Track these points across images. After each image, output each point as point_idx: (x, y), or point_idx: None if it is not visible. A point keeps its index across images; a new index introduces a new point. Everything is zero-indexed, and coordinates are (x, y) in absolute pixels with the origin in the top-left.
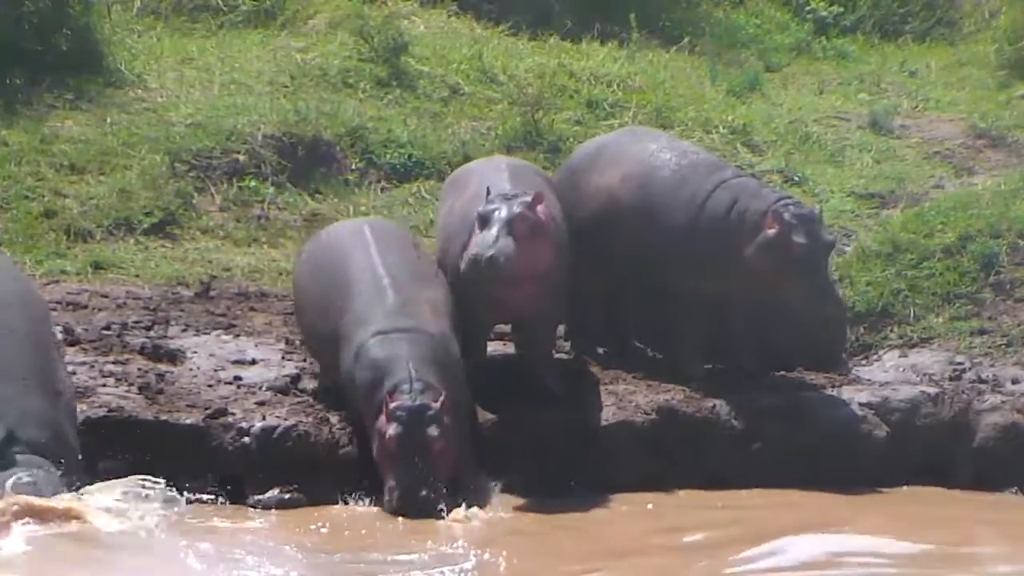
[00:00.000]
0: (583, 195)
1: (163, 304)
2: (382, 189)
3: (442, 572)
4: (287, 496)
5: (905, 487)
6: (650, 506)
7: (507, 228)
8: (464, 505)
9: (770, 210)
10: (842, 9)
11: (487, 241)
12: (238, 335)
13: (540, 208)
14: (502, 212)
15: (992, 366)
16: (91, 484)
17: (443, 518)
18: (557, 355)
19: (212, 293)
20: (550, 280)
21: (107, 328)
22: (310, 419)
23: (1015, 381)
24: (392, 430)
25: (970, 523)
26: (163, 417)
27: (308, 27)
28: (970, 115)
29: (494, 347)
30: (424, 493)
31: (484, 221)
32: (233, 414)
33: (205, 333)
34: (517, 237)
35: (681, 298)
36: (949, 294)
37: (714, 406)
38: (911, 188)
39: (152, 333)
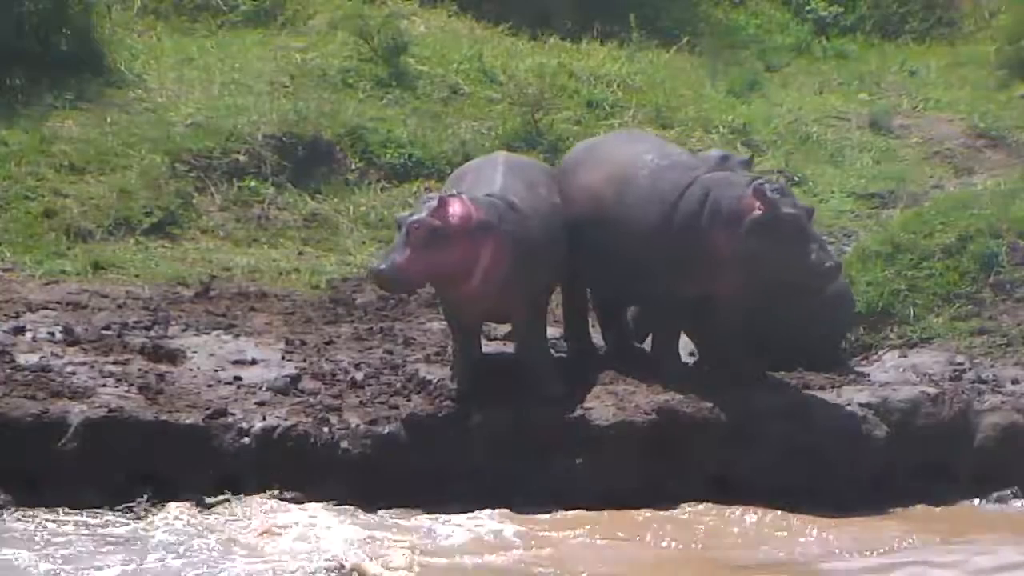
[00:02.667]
0: (572, 194)
1: (163, 304)
2: (382, 189)
3: None
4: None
5: None
6: None
7: (404, 237)
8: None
9: (749, 191)
10: (842, 9)
11: (386, 252)
12: (238, 335)
13: (453, 210)
14: (406, 220)
15: (992, 366)
16: None
17: None
18: (556, 355)
19: (212, 293)
20: (510, 281)
21: (107, 328)
22: (310, 419)
23: (1015, 381)
24: None
25: None
26: (163, 417)
27: (308, 27)
28: (970, 115)
29: (494, 347)
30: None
31: (398, 228)
32: (233, 414)
33: (205, 333)
34: (413, 245)
35: (660, 297)
36: (949, 294)
37: (713, 406)
38: (911, 188)
39: (152, 333)
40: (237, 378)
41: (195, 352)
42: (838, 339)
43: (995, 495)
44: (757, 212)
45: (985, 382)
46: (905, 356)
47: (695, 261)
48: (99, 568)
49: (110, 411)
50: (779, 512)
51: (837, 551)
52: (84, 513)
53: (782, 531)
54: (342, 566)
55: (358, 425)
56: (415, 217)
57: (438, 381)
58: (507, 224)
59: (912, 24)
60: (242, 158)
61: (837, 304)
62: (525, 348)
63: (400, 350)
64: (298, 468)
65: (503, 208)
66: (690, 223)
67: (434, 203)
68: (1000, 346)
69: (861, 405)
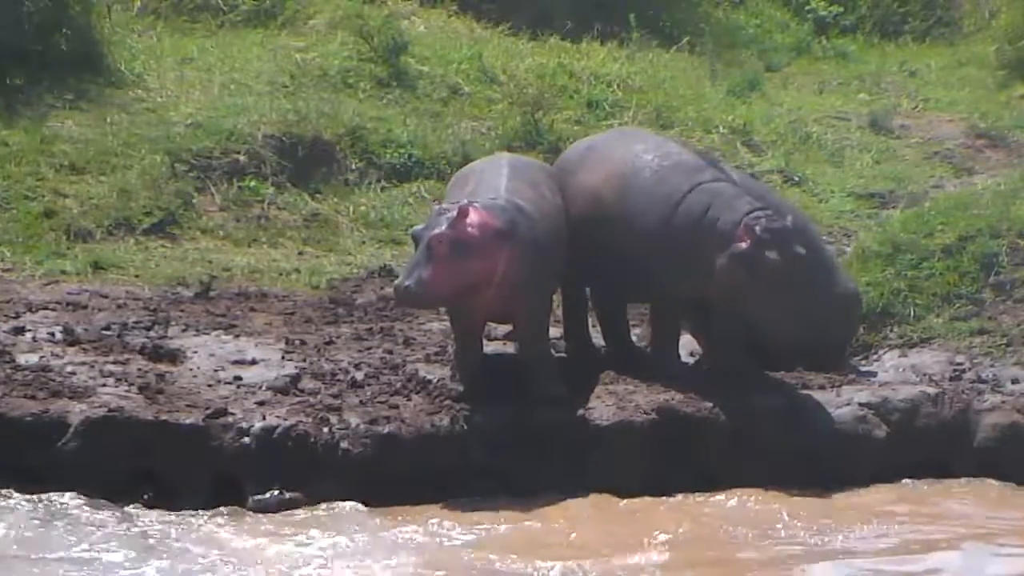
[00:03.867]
0: (571, 194)
1: (163, 304)
2: (382, 189)
3: None
4: (287, 496)
5: None
6: None
7: (426, 252)
8: None
9: (742, 223)
10: (842, 9)
11: (408, 268)
12: (238, 335)
13: (471, 219)
14: (426, 233)
15: (992, 366)
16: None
17: None
18: (557, 355)
19: (212, 293)
20: (520, 284)
21: (107, 328)
22: (310, 419)
23: (1015, 381)
24: None
25: None
26: (163, 417)
27: (308, 27)
28: (970, 115)
29: (494, 347)
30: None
31: (415, 243)
32: (233, 414)
33: (205, 333)
34: (437, 259)
35: (659, 297)
36: (949, 294)
37: (713, 406)
38: (911, 188)
39: (152, 333)
40: (237, 378)
41: (195, 352)
42: (845, 343)
43: None
44: (742, 246)
45: (985, 382)
46: (905, 356)
47: (691, 265)
48: None
49: (110, 411)
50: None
51: None
52: None
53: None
54: None
55: (358, 425)
56: (436, 231)
57: (438, 381)
58: (520, 229)
59: (912, 24)
60: (242, 158)
61: (845, 309)
62: (527, 348)
63: (400, 350)
64: (298, 468)
65: (514, 212)
66: (688, 228)
67: (453, 214)
68: (1000, 346)
69: (861, 405)
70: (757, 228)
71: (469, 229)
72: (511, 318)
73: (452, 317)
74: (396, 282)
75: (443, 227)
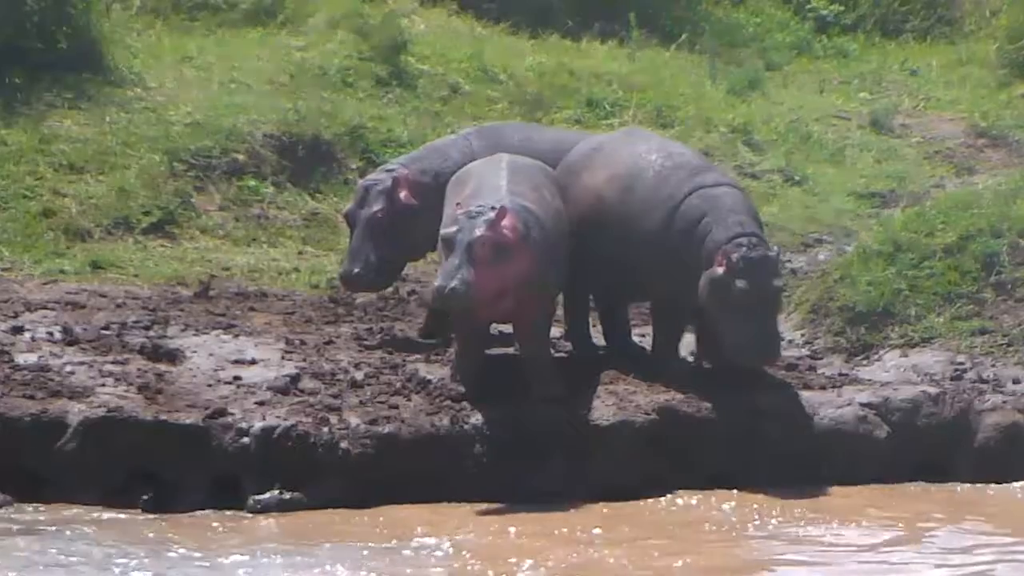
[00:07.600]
0: (575, 195)
1: (162, 304)
2: None
3: None
4: (287, 497)
5: None
6: None
7: (467, 254)
8: None
9: (722, 248)
10: (843, 8)
11: (449, 270)
12: (238, 335)
13: (505, 222)
14: (463, 236)
15: (993, 366)
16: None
17: None
18: (557, 355)
19: (212, 293)
20: (530, 286)
21: (106, 328)
22: (310, 419)
23: (1016, 381)
24: None
25: None
26: (163, 417)
27: (308, 26)
28: (971, 114)
29: (494, 347)
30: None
31: (448, 246)
32: (233, 414)
33: (205, 333)
34: (479, 261)
35: (662, 297)
36: (950, 294)
37: (713, 406)
38: (912, 187)
39: (151, 333)
40: (237, 378)
41: (195, 352)
42: None
43: None
44: (718, 270)
45: (986, 382)
46: (906, 356)
47: (688, 268)
48: None
49: (109, 411)
50: None
51: None
52: None
53: None
54: None
55: (358, 425)
56: (479, 233)
57: (438, 381)
58: (532, 231)
59: (913, 23)
60: (241, 157)
61: None
62: (529, 349)
63: (400, 350)
64: (298, 468)
65: (524, 214)
66: (684, 233)
67: (490, 216)
68: (1001, 346)
69: (862, 405)
70: (734, 256)
71: (506, 232)
72: (515, 319)
73: (456, 318)
74: (437, 284)
75: (483, 229)
